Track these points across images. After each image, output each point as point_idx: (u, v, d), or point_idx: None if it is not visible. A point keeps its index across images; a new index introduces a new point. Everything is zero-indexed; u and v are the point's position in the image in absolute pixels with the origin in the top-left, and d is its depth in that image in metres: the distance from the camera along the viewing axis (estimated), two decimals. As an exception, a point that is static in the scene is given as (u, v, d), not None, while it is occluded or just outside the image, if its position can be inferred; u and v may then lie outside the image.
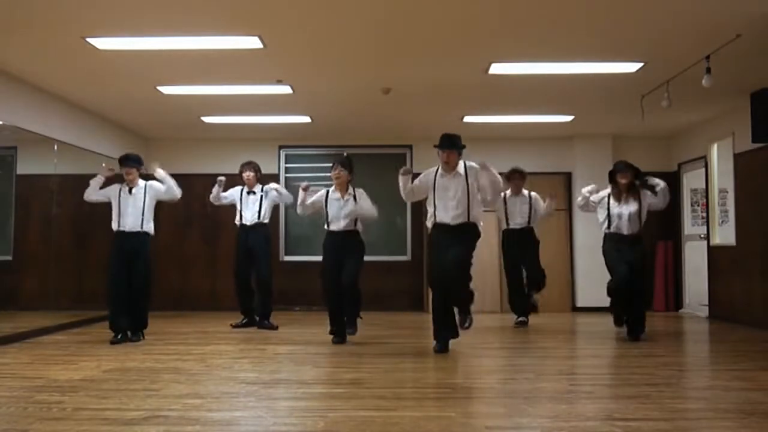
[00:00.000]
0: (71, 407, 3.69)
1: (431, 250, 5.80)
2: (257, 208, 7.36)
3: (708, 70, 5.71)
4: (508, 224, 7.60)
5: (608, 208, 6.46)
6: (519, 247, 7.50)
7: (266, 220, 7.43)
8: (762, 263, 7.47)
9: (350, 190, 6.28)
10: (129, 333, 6.25)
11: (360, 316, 6.46)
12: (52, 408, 3.67)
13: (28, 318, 7.27)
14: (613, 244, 6.41)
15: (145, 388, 4.18)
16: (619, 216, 6.37)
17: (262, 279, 7.31)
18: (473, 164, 5.62)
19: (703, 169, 8.81)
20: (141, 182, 6.39)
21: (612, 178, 6.49)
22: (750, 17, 4.98)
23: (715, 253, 8.53)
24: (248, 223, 7.36)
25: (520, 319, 7.56)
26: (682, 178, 9.56)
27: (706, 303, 8.69)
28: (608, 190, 6.54)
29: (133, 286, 6.23)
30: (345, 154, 9.63)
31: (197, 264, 9.70)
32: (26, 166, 8.16)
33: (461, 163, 5.62)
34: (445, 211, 5.58)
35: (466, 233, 5.55)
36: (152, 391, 4.09)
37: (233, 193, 7.48)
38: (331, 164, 6.41)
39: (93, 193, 6.35)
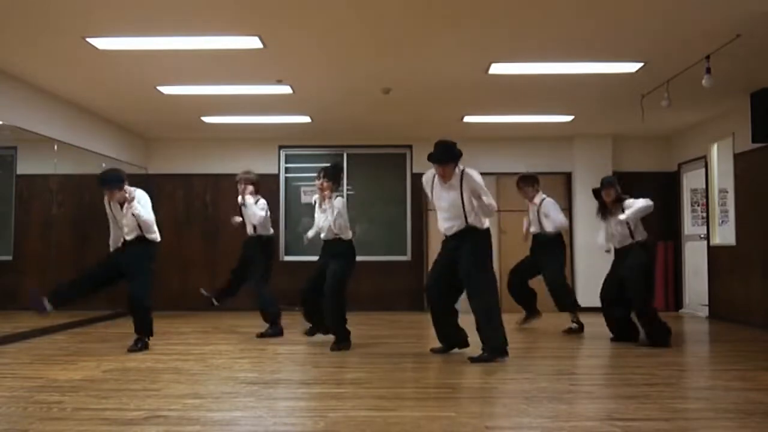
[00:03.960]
0: (71, 407, 3.68)
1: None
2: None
3: (708, 70, 5.72)
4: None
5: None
6: (533, 253, 7.27)
7: (261, 232, 7.03)
8: (762, 263, 7.47)
9: (332, 198, 6.00)
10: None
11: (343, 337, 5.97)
12: (52, 408, 3.67)
13: (28, 318, 7.26)
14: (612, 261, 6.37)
15: (145, 388, 4.18)
16: (610, 233, 6.31)
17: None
18: (471, 174, 5.28)
19: (703, 169, 8.82)
20: (135, 194, 5.80)
21: (597, 195, 6.39)
22: (750, 17, 4.98)
23: (715, 253, 8.53)
24: (250, 233, 7.10)
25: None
26: (682, 178, 9.56)
27: (706, 303, 8.69)
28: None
29: (132, 296, 5.77)
30: (344, 154, 9.71)
31: (197, 264, 9.70)
32: (26, 166, 8.16)
33: (458, 171, 5.30)
34: (441, 221, 5.46)
35: (466, 241, 5.27)
36: (152, 391, 4.08)
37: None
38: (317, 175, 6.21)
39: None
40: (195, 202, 9.76)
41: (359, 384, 4.36)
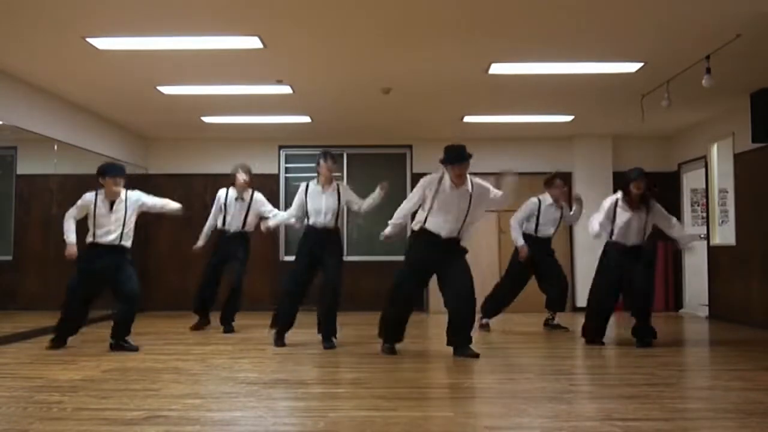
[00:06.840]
0: (71, 407, 3.69)
1: (411, 255, 5.61)
2: (243, 217, 7.12)
3: (708, 70, 5.72)
4: (536, 232, 7.15)
5: (614, 217, 6.12)
6: (540, 255, 7.14)
7: (250, 230, 7.17)
8: (762, 263, 7.47)
9: (333, 184, 6.10)
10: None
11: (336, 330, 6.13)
12: (52, 408, 3.67)
13: (28, 318, 7.27)
14: (617, 257, 6.09)
15: (145, 388, 4.18)
16: (627, 225, 6.06)
17: (236, 286, 7.18)
18: (482, 184, 5.45)
19: (703, 169, 8.82)
20: (122, 193, 5.83)
21: (625, 186, 6.11)
22: (750, 17, 4.98)
23: (715, 253, 8.53)
24: (231, 230, 7.13)
25: (485, 320, 7.21)
26: (682, 178, 9.56)
27: (706, 303, 8.69)
28: (615, 196, 6.19)
29: (122, 301, 5.80)
30: (344, 154, 9.71)
31: (197, 264, 9.65)
32: (26, 166, 8.16)
33: (468, 178, 5.40)
34: (443, 223, 5.39)
35: (457, 250, 5.47)
36: (152, 391, 4.09)
37: (219, 198, 7.25)
38: (323, 157, 6.10)
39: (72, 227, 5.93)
40: (195, 202, 9.74)
41: (359, 384, 4.36)
